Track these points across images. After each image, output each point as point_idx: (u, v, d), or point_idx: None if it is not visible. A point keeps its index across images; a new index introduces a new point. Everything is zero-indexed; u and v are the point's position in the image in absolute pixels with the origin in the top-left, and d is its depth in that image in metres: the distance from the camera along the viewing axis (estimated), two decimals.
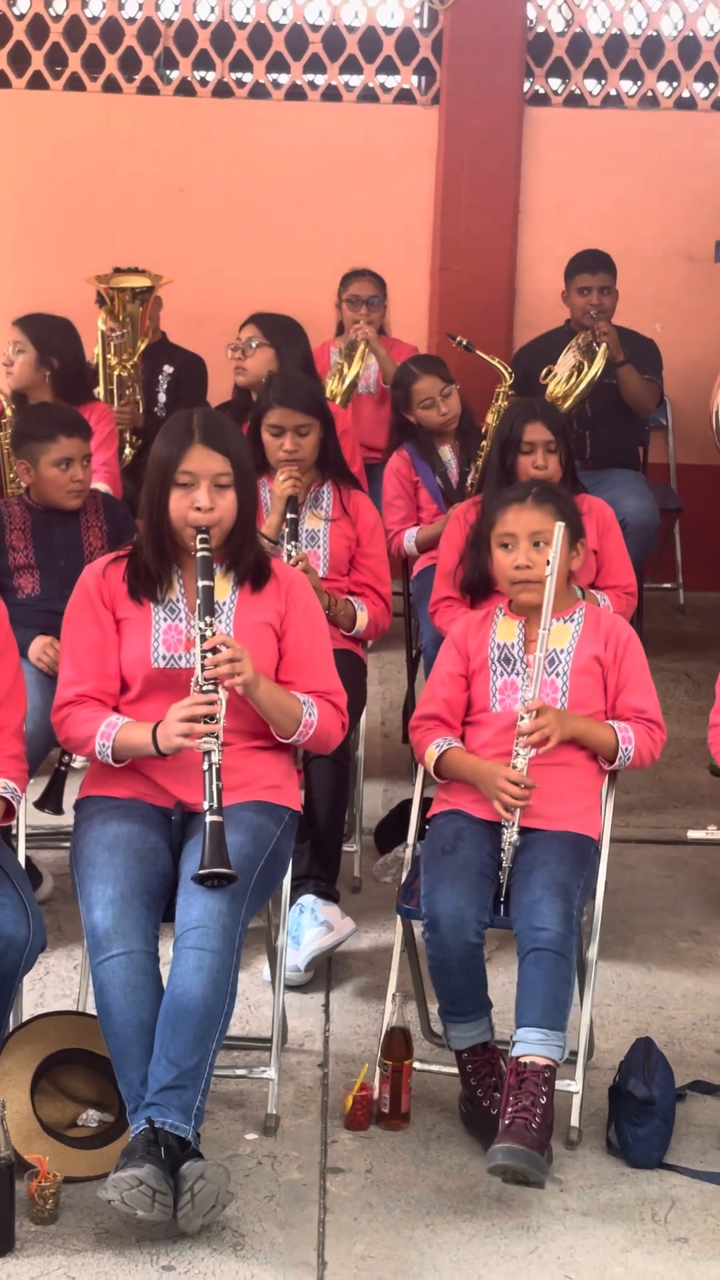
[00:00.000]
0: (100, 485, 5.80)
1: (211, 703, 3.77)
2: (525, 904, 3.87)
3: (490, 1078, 3.97)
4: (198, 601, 3.85)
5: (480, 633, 4.32)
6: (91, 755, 3.95)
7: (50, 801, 4.94)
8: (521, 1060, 3.77)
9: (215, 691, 3.79)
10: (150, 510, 3.97)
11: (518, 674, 4.21)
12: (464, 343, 6.40)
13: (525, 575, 4.21)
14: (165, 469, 3.92)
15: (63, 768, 4.95)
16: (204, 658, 3.80)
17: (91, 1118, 3.90)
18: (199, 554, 3.88)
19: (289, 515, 5.04)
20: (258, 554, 4.08)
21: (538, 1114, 3.70)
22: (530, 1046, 3.78)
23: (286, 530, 5.02)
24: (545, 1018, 3.79)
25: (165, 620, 3.99)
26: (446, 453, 6.07)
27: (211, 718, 3.76)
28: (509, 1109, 3.72)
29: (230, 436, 3.97)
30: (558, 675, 4.21)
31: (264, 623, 4.03)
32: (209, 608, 3.84)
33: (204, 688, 3.78)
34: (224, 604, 3.99)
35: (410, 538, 6.01)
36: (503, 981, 4.56)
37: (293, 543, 5.00)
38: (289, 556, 4.93)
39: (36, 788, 4.93)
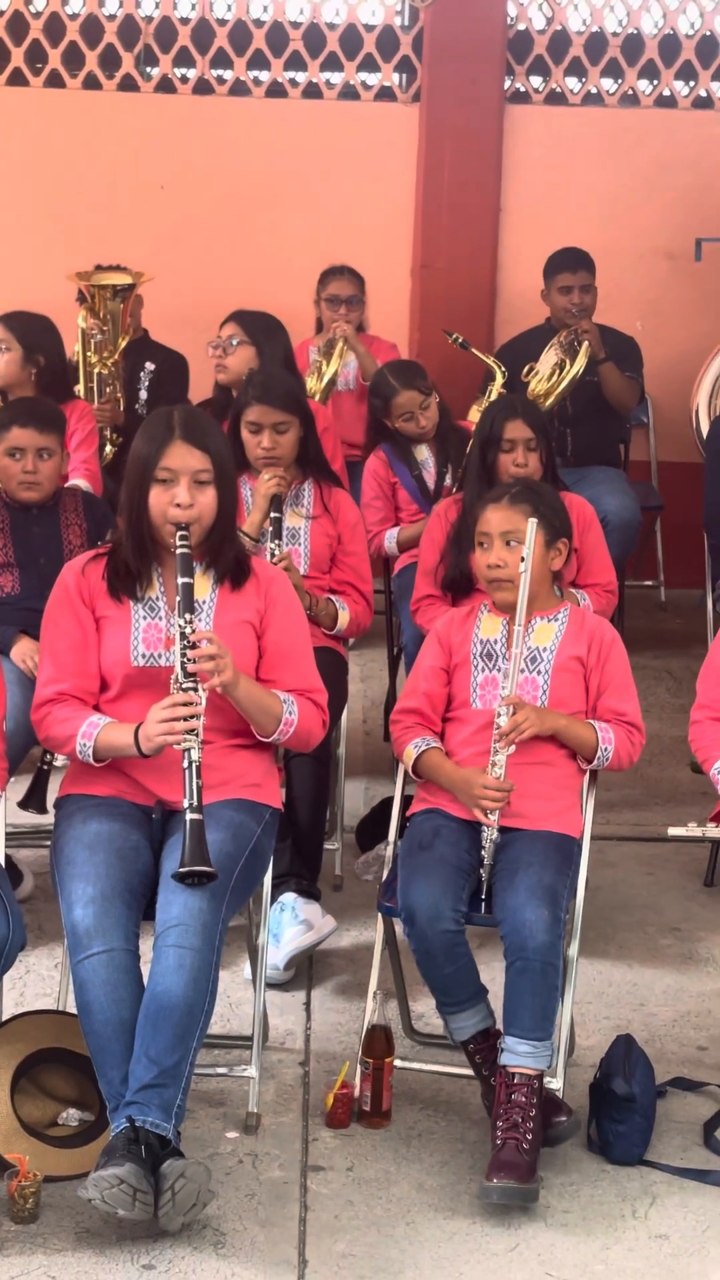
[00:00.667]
0: (80, 482, 5.79)
1: (191, 702, 3.76)
2: (511, 907, 3.87)
3: (499, 1064, 3.95)
4: (178, 599, 3.84)
5: (464, 628, 4.32)
6: (72, 754, 3.94)
7: (34, 801, 4.93)
8: (510, 1070, 3.81)
9: (195, 690, 3.78)
10: (130, 507, 3.96)
11: (499, 670, 4.21)
12: (460, 340, 6.42)
13: (497, 574, 4.23)
14: (145, 466, 3.91)
15: (45, 766, 4.94)
16: (184, 655, 3.79)
17: (72, 1116, 3.89)
18: (179, 551, 3.87)
19: (273, 514, 5.03)
20: (238, 552, 4.06)
21: (528, 1130, 3.74)
22: (519, 1058, 3.81)
23: (270, 529, 5.01)
24: (534, 1028, 3.82)
25: (145, 619, 3.98)
26: (423, 452, 6.06)
27: (191, 715, 3.75)
28: (499, 1126, 3.76)
29: (210, 433, 3.96)
30: (539, 673, 4.22)
31: (244, 621, 4.02)
32: (189, 605, 3.83)
33: (184, 686, 3.78)
34: (204, 602, 3.98)
35: (391, 538, 6.02)
36: (485, 980, 4.56)
37: (276, 541, 4.99)
38: (272, 555, 4.93)
39: (19, 787, 4.94)
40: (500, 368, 6.31)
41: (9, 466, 5.08)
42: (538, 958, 3.80)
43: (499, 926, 3.90)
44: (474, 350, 6.45)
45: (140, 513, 3.94)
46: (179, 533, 3.88)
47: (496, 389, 6.21)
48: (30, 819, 5.04)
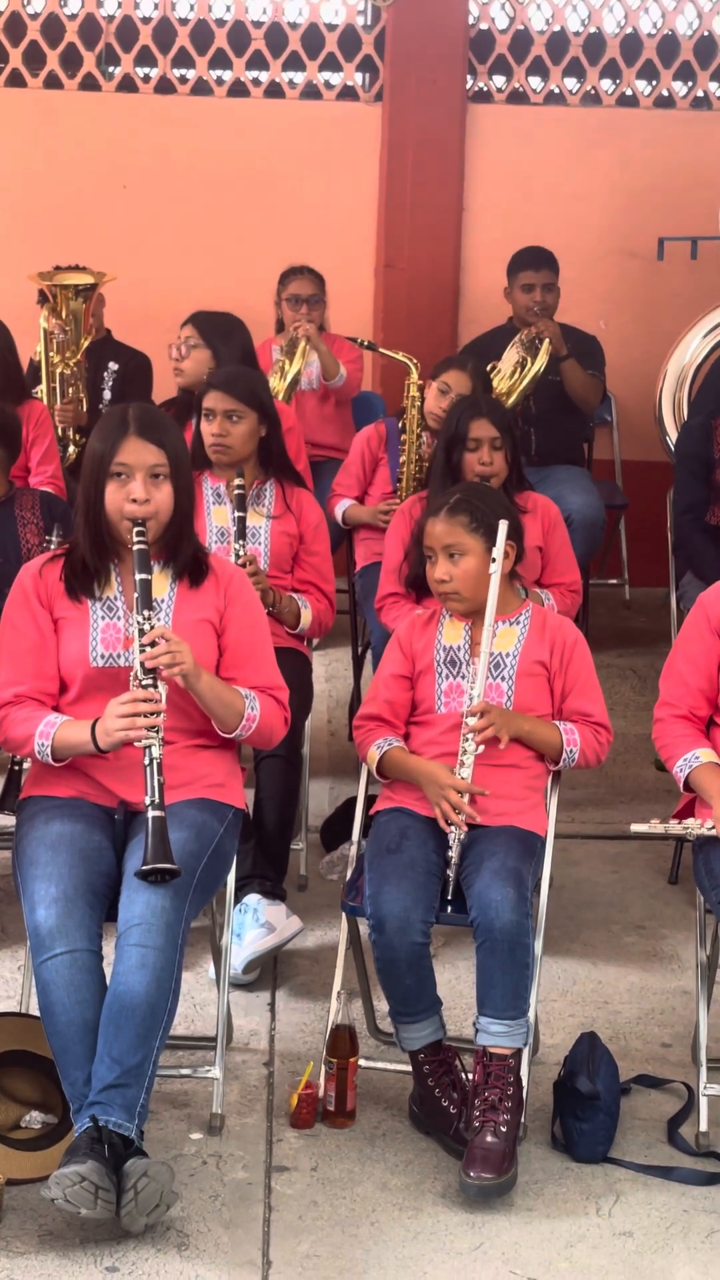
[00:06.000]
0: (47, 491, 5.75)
1: (151, 698, 3.75)
2: (477, 890, 3.89)
3: (446, 1077, 3.97)
4: (135, 595, 3.83)
5: (426, 635, 4.32)
6: (31, 755, 3.92)
7: (8, 803, 4.88)
8: (489, 1050, 3.84)
9: (155, 686, 3.77)
10: (86, 505, 3.93)
11: (463, 677, 4.21)
12: (365, 342, 6.52)
13: (444, 589, 4.24)
14: (100, 462, 3.89)
15: (16, 768, 4.89)
16: (143, 651, 3.78)
17: (35, 1119, 3.88)
18: (136, 546, 3.85)
19: (237, 514, 5.02)
20: (195, 549, 4.05)
21: (506, 1109, 3.77)
22: (493, 1038, 3.85)
23: (234, 529, 5.00)
24: (507, 1007, 3.84)
25: (103, 619, 3.96)
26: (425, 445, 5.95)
27: (151, 713, 3.74)
28: (478, 1106, 3.79)
29: (166, 429, 3.94)
30: (503, 679, 4.22)
31: (203, 619, 4.00)
32: (147, 601, 3.81)
33: (143, 682, 3.77)
34: (162, 600, 3.97)
35: (342, 507, 6.05)
36: (449, 979, 4.58)
37: (240, 541, 4.98)
38: (236, 556, 4.91)
39: None
40: (413, 361, 6.25)
41: None
42: (505, 937, 3.82)
43: (469, 911, 3.90)
44: (381, 350, 6.52)
45: (97, 510, 3.92)
46: (136, 528, 3.86)
47: (413, 383, 6.12)
48: None
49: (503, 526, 4.14)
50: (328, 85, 8.07)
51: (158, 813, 3.66)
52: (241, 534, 5.00)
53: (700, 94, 8.19)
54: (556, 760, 4.22)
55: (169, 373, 6.14)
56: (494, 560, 4.13)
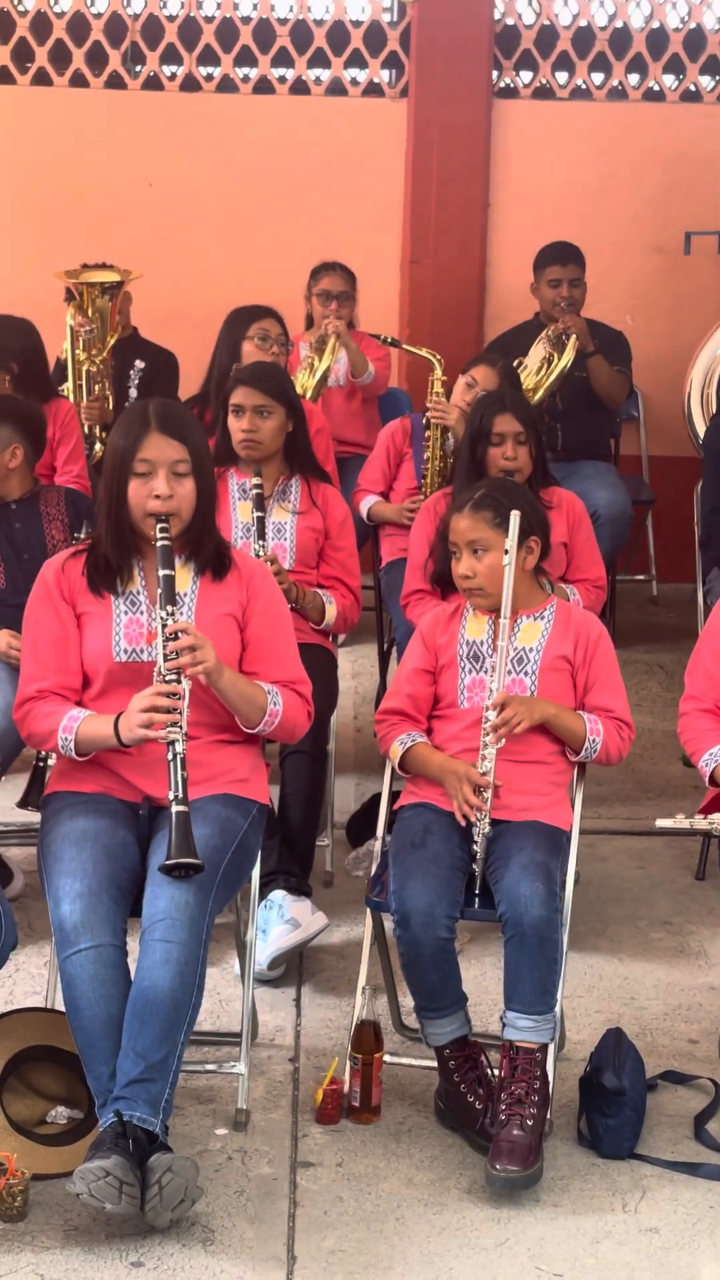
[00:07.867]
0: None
1: (174, 693, 3.75)
2: (506, 885, 3.88)
3: (472, 1073, 3.96)
4: (159, 591, 3.83)
5: (449, 629, 4.31)
6: (56, 750, 3.93)
7: (32, 799, 4.90)
8: (516, 1045, 3.84)
9: (178, 681, 3.77)
10: (109, 501, 3.94)
11: (486, 672, 4.20)
12: (388, 339, 6.50)
13: (468, 584, 4.23)
14: (123, 458, 3.89)
15: (41, 764, 4.91)
16: (165, 647, 3.78)
17: (60, 1114, 3.88)
18: (159, 543, 3.85)
19: (256, 514, 5.01)
20: (218, 543, 4.05)
21: (532, 1103, 3.77)
22: (520, 1033, 3.84)
23: (255, 528, 4.99)
24: (534, 1001, 3.84)
25: (126, 613, 3.97)
26: (451, 441, 5.96)
27: (174, 708, 3.74)
28: (504, 1100, 3.79)
29: (187, 425, 3.94)
30: (526, 674, 4.20)
31: (226, 613, 4.00)
32: (170, 597, 3.81)
33: (166, 678, 3.77)
34: (185, 595, 3.97)
35: (367, 504, 6.05)
36: (475, 975, 4.57)
37: (260, 541, 4.97)
38: (257, 555, 4.90)
39: (15, 787, 4.92)
40: (436, 357, 6.27)
41: None
42: (534, 931, 3.81)
43: (497, 906, 3.90)
44: (405, 346, 6.51)
45: (119, 506, 3.92)
46: (159, 524, 3.86)
47: (437, 379, 6.16)
48: (20, 817, 5.03)
49: (514, 518, 4.11)
50: (353, 82, 8.08)
51: (181, 808, 3.67)
52: (261, 534, 4.99)
53: None
54: (578, 750, 4.20)
55: (195, 370, 6.13)
56: (506, 552, 4.11)
